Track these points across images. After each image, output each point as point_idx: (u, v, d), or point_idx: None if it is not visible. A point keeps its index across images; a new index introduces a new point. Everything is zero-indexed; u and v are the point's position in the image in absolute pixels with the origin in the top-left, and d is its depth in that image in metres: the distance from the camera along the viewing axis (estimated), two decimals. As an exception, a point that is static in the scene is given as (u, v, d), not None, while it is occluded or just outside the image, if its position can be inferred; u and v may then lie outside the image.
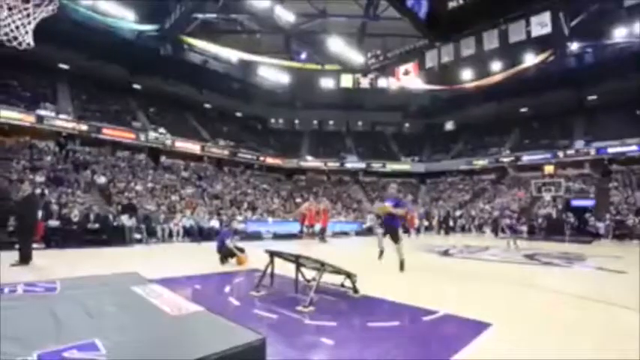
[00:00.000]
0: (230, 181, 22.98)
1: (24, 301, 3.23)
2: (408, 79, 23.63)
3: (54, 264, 6.50)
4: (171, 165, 22.37)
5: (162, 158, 22.83)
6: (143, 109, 24.38)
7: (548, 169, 24.99)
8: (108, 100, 22.83)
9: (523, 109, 29.09)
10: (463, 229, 20.72)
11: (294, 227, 14.51)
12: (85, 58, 21.44)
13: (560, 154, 24.73)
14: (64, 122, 19.65)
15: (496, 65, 23.38)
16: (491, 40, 16.16)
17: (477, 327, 3.35)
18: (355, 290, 4.61)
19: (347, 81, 26.06)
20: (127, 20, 19.85)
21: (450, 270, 7.31)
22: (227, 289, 4.94)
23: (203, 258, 8.02)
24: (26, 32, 3.14)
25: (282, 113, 33.59)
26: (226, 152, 25.93)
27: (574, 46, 21.58)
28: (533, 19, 14.95)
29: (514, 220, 14.67)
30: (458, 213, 22.33)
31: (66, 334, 2.32)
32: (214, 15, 21.60)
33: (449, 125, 34.76)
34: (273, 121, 34.18)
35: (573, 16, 17.80)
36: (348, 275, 4.62)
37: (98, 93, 22.60)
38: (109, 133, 20.78)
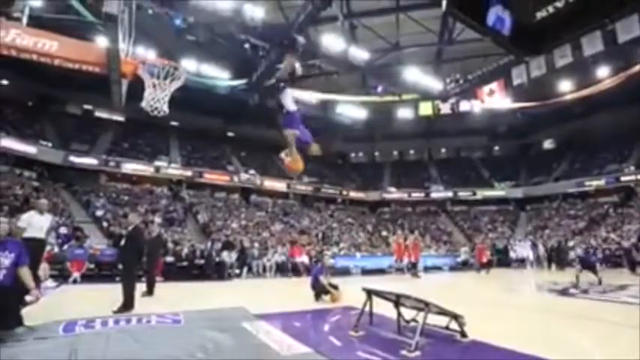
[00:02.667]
0: (315, 217, 23.64)
1: (156, 330, 3.67)
2: (494, 99, 22.13)
3: (173, 295, 7.28)
4: (260, 203, 24.04)
5: (253, 197, 24.73)
6: (236, 153, 27.08)
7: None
8: (207, 148, 25.98)
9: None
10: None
11: (383, 262, 14.08)
12: (190, 114, 25.04)
13: None
14: (174, 170, 22.89)
15: (603, 71, 20.46)
16: (593, 44, 14.29)
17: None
18: (463, 334, 4.17)
19: (426, 109, 25.50)
20: (223, 78, 22.81)
21: (572, 313, 6.18)
22: (325, 327, 4.91)
23: (297, 293, 8.18)
24: (164, 103, 3.83)
25: (361, 147, 34.00)
26: (310, 188, 26.98)
27: None
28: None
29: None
30: (571, 243, 19.17)
31: None
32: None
33: (548, 144, 31.05)
34: (353, 155, 34.75)
35: None
36: (455, 317, 4.23)
37: (199, 143, 25.91)
38: (209, 177, 23.49)
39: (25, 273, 4.06)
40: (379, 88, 25.75)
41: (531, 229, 24.04)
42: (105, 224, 16.51)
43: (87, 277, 9.58)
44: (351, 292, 7.26)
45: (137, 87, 4.31)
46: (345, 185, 28.98)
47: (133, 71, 3.64)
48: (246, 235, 16.22)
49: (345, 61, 22.66)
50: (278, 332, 3.61)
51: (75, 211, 17.48)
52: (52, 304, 5.94)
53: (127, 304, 5.60)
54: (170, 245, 11.64)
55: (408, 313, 4.56)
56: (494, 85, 21.40)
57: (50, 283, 8.22)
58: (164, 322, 3.86)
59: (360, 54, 21.65)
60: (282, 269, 12.22)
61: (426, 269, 14.23)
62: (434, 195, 29.07)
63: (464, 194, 28.61)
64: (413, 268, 12.22)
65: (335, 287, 7.05)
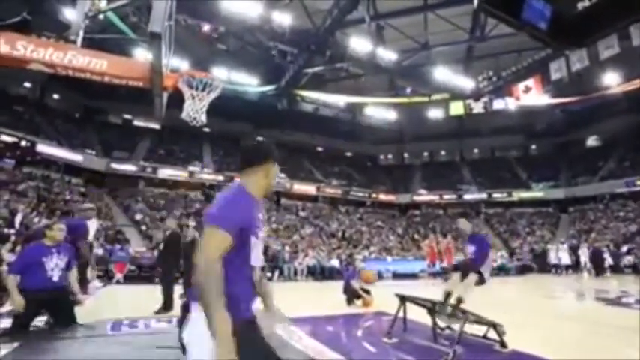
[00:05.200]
0: (345, 220, 23.59)
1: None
2: (530, 96, 21.15)
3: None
4: (290, 206, 24.31)
5: (283, 200, 25.06)
6: (266, 158, 27.58)
7: None
8: (238, 153, 26.57)
9: None
10: (635, 268, 16.34)
11: (415, 266, 13.81)
12: (221, 121, 25.82)
13: None
14: (207, 175, 23.68)
15: (654, 61, 18.99)
16: (643, 33, 13.36)
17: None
18: (503, 344, 4.01)
19: (457, 108, 24.80)
20: (252, 85, 23.38)
21: (627, 325, 5.76)
22: (358, 332, 4.89)
23: (328, 297, 8.19)
24: (202, 113, 4.04)
25: (390, 149, 33.60)
26: (339, 191, 26.98)
27: None
28: None
29: None
30: (625, 248, 17.86)
31: None
32: (322, 67, 23.64)
33: (591, 141, 29.21)
34: (382, 157, 34.41)
35: None
36: (493, 325, 4.07)
37: (231, 148, 26.63)
38: (240, 181, 24.08)
39: (73, 275, 4.40)
40: (408, 89, 25.41)
41: (574, 233, 22.67)
42: (143, 227, 17.37)
43: (129, 278, 10.11)
44: (382, 296, 7.19)
45: (173, 96, 4.56)
46: (374, 188, 28.73)
47: (174, 84, 3.85)
48: (277, 239, 16.46)
49: (372, 63, 22.53)
50: (311, 340, 3.64)
51: (116, 215, 18.50)
52: (99, 303, 6.35)
53: (167, 305, 5.88)
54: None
55: (444, 321, 4.44)
56: (530, 82, 20.47)
57: (97, 283, 8.75)
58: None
59: (387, 55, 21.45)
60: (313, 272, 12.30)
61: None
62: (467, 197, 28.16)
63: (499, 196, 27.49)
64: (446, 273, 11.89)
65: (367, 292, 7.01)
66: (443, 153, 33.27)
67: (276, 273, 11.67)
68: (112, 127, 25.62)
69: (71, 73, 3.18)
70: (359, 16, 18.29)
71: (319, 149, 31.34)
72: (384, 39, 20.66)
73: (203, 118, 4.20)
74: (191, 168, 23.43)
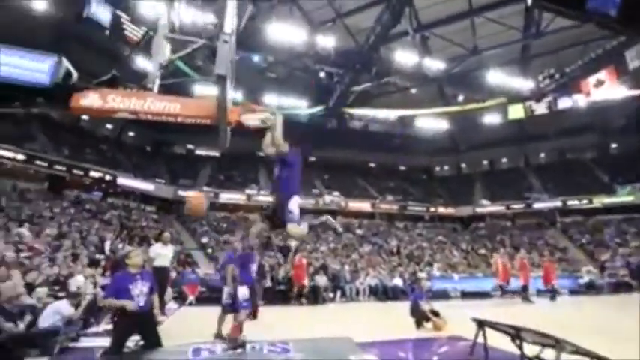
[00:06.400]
0: (403, 236, 22.86)
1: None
2: (603, 90, 19.08)
3: (274, 320, 7.55)
4: (347, 224, 24.19)
5: (339, 218, 25.02)
6: (319, 177, 27.97)
7: None
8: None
9: None
10: None
11: (485, 284, 12.80)
12: (275, 144, 26.89)
13: None
14: (264, 197, 24.55)
15: None
16: None
17: None
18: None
19: (516, 112, 23.15)
20: (302, 107, 24.13)
21: None
22: (434, 358, 4.60)
23: (395, 319, 7.87)
24: None
25: (446, 160, 32.24)
26: (395, 207, 26.34)
27: None
28: None
29: None
30: None
31: None
32: (368, 84, 23.69)
33: (685, 134, 25.34)
34: (437, 169, 33.10)
35: None
36: (598, 359, 3.55)
37: (285, 170, 27.45)
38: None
39: (155, 300, 4.74)
40: (460, 97, 24.41)
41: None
42: (209, 250, 18.37)
43: (200, 300, 10.62)
44: (453, 318, 6.75)
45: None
46: (432, 201, 27.60)
47: (237, 119, 4.14)
48: (336, 258, 16.37)
49: (420, 74, 22.11)
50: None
51: (185, 239, 19.83)
52: (176, 325, 6.73)
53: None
54: (267, 269, 12.33)
55: (531, 349, 4.01)
56: (602, 74, 18.51)
57: (172, 304, 9.34)
58: (274, 351, 4.05)
59: (435, 65, 20.90)
60: (375, 292, 11.95)
61: (539, 292, 12.44)
62: (537, 206, 25.75)
63: (575, 203, 24.76)
64: (523, 291, 10.85)
65: (436, 314, 6.61)
66: (504, 160, 31.08)
67: (338, 293, 11.51)
68: (177, 157, 27.92)
69: (150, 118, 3.54)
70: (402, 29, 18.18)
71: (372, 165, 31.06)
72: (430, 49, 20.25)
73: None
74: (248, 191, 24.52)
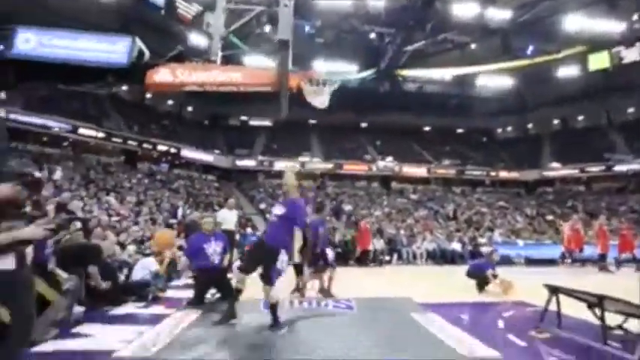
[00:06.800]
0: (461, 201, 22.03)
1: (333, 315, 4.09)
2: None
3: (341, 282, 7.87)
4: (401, 189, 23.87)
5: (393, 184, 24.75)
6: (371, 143, 27.55)
7: None
8: (344, 141, 27.25)
9: None
10: None
11: (553, 251, 11.99)
12: (325, 111, 26.69)
13: None
14: (317, 164, 24.93)
15: None
16: None
17: None
18: None
19: (599, 61, 20.29)
20: (352, 72, 23.44)
21: None
22: (499, 323, 4.51)
23: (454, 283, 7.79)
24: (326, 101, 4.48)
25: (510, 120, 29.63)
26: (452, 171, 25.27)
27: None
28: None
29: None
30: None
31: (370, 354, 2.67)
32: (423, 42, 22.15)
33: None
34: (499, 131, 30.70)
35: None
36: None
37: (336, 137, 27.39)
38: (348, 168, 24.70)
39: (226, 258, 5.22)
40: (529, 49, 21.85)
41: None
42: (267, 215, 19.38)
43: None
44: (517, 285, 6.50)
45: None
46: (492, 165, 25.92)
47: (297, 84, 4.20)
48: (390, 223, 16.36)
49: (481, 27, 20.20)
50: (454, 330, 3.49)
51: (244, 205, 21.07)
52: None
53: (299, 286, 6.46)
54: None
55: (609, 317, 3.75)
56: None
57: (237, 263, 10.13)
58: (339, 308, 4.27)
59: (499, 14, 18.88)
60: (433, 256, 11.86)
61: (619, 262, 11.35)
62: (618, 168, 22.98)
63: (669, 164, 21.67)
64: (601, 260, 10.02)
65: (495, 276, 6.42)
66: (580, 118, 27.77)
67: (395, 257, 11.63)
68: (233, 128, 29.10)
69: (215, 89, 3.70)
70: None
71: (427, 129, 29.71)
72: (495, -4, 18.25)
73: (327, 102, 4.61)
74: (301, 159, 25.02)
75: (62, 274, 3.62)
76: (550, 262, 11.73)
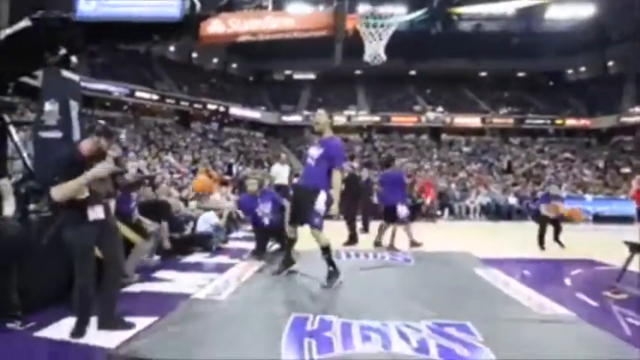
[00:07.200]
0: (520, 153, 20.49)
1: (389, 267, 4.11)
2: None
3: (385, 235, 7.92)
4: (452, 141, 22.69)
5: (443, 136, 23.54)
6: (421, 92, 25.98)
7: None
8: (391, 92, 25.96)
9: None
10: None
11: (627, 208, 10.86)
12: (372, 60, 25.34)
13: None
14: (363, 117, 24.25)
15: None
16: None
17: None
18: None
19: None
20: (400, 15, 21.55)
21: None
22: (566, 281, 4.27)
23: (513, 239, 7.47)
24: (382, 50, 4.13)
25: (583, 59, 25.70)
26: (511, 121, 23.26)
27: None
28: None
29: None
30: None
31: (433, 307, 2.64)
32: (484, -31, 19.46)
33: None
34: (570, 72, 27.17)
35: None
36: None
37: (383, 87, 26.11)
38: (396, 120, 23.76)
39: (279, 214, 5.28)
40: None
41: None
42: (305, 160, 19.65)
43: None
44: (585, 242, 6.08)
45: (321, 45, 4.54)
46: (558, 112, 23.39)
47: (354, 26, 3.90)
48: (441, 177, 15.80)
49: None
50: (518, 284, 3.36)
51: (292, 161, 21.43)
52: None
53: (353, 239, 6.57)
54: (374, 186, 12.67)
55: None
56: None
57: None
58: (396, 260, 4.27)
59: None
60: (487, 211, 11.38)
61: None
62: None
63: None
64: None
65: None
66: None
67: (446, 211, 11.33)
68: (277, 83, 28.89)
69: (268, 37, 3.55)
70: None
71: (483, 74, 27.17)
72: None
73: (383, 55, 4.21)
74: (347, 112, 24.41)
75: (146, 221, 4.12)
76: (624, 219, 10.68)
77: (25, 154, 3.58)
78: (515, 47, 24.64)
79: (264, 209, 4.82)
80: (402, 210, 5.52)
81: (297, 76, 28.99)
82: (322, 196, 3.34)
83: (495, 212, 11.38)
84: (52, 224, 2.49)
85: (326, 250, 3.36)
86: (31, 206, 3.02)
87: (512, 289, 3.15)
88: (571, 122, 23.12)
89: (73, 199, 2.20)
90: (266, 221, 4.82)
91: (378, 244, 5.71)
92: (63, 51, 3.45)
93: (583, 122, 22.91)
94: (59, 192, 2.16)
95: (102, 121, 2.65)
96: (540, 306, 2.72)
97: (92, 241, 2.28)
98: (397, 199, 5.59)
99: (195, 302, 2.80)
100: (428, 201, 10.56)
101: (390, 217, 5.67)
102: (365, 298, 2.96)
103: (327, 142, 3.46)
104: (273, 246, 5.21)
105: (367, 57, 4.28)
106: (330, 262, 3.36)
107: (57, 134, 3.28)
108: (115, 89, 19.19)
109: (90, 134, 2.42)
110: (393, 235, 5.77)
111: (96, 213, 2.26)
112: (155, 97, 20.85)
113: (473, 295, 3.00)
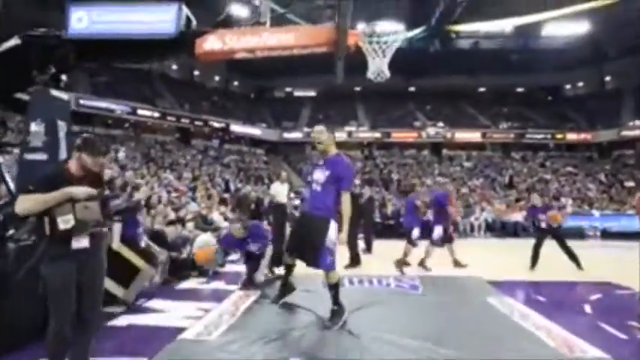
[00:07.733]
0: (522, 168, 20.33)
1: (396, 295, 3.84)
2: None
3: (388, 254, 7.60)
4: (453, 157, 22.58)
5: (444, 151, 23.44)
6: (420, 108, 26.04)
7: None
8: (391, 108, 26.01)
9: None
10: None
11: (635, 223, 10.58)
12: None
13: None
14: (364, 133, 24.22)
15: None
16: None
17: None
18: None
19: None
20: (399, 31, 21.81)
21: None
22: (587, 308, 3.98)
23: (521, 258, 7.18)
24: (385, 66, 3.99)
25: (581, 74, 25.96)
26: (511, 135, 23.22)
27: None
28: None
29: None
30: None
31: (444, 345, 2.39)
32: (480, -11, 19.80)
33: None
34: (568, 87, 27.36)
35: None
36: None
37: (383, 104, 26.19)
38: (396, 135, 23.72)
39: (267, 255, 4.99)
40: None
41: None
42: (306, 186, 19.43)
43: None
44: (595, 261, 5.79)
45: (321, 62, 4.41)
46: (558, 127, 23.36)
47: (355, 42, 3.77)
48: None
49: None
50: (537, 315, 3.09)
51: (293, 178, 21.25)
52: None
53: (355, 261, 6.30)
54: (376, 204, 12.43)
55: None
56: None
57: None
58: (403, 287, 4.01)
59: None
60: (492, 228, 11.11)
61: None
62: None
63: None
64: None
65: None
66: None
67: (451, 228, 11.03)
68: (278, 100, 29.04)
69: (266, 54, 3.41)
70: None
71: (481, 90, 27.32)
72: None
73: (386, 72, 4.07)
74: (348, 128, 24.39)
75: (156, 248, 4.08)
76: (633, 235, 10.38)
77: (8, 178, 3.39)
78: (513, 63, 24.85)
79: (254, 247, 4.57)
80: (438, 231, 5.74)
81: (298, 93, 29.17)
82: (333, 228, 3.00)
83: (501, 229, 11.12)
84: (31, 254, 2.27)
85: (334, 286, 3.05)
86: (10, 232, 2.80)
87: (531, 322, 2.89)
88: (572, 136, 23.06)
89: (56, 228, 1.95)
90: (256, 251, 4.57)
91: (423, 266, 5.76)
92: (52, 70, 3.31)
93: (584, 136, 22.85)
94: (23, 203, 1.94)
95: (86, 134, 2.38)
96: (568, 346, 2.45)
97: (72, 279, 2.00)
98: (433, 220, 5.94)
99: (182, 344, 2.55)
100: (458, 218, 10.22)
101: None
102: (370, 338, 2.68)
103: (333, 162, 3.10)
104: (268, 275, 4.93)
105: (371, 74, 4.15)
106: (336, 300, 3.05)
107: (42, 156, 3.10)
108: (117, 107, 19.21)
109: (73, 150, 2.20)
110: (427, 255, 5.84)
111: (79, 242, 2.01)
112: (156, 114, 20.87)
113: (489, 332, 2.73)
